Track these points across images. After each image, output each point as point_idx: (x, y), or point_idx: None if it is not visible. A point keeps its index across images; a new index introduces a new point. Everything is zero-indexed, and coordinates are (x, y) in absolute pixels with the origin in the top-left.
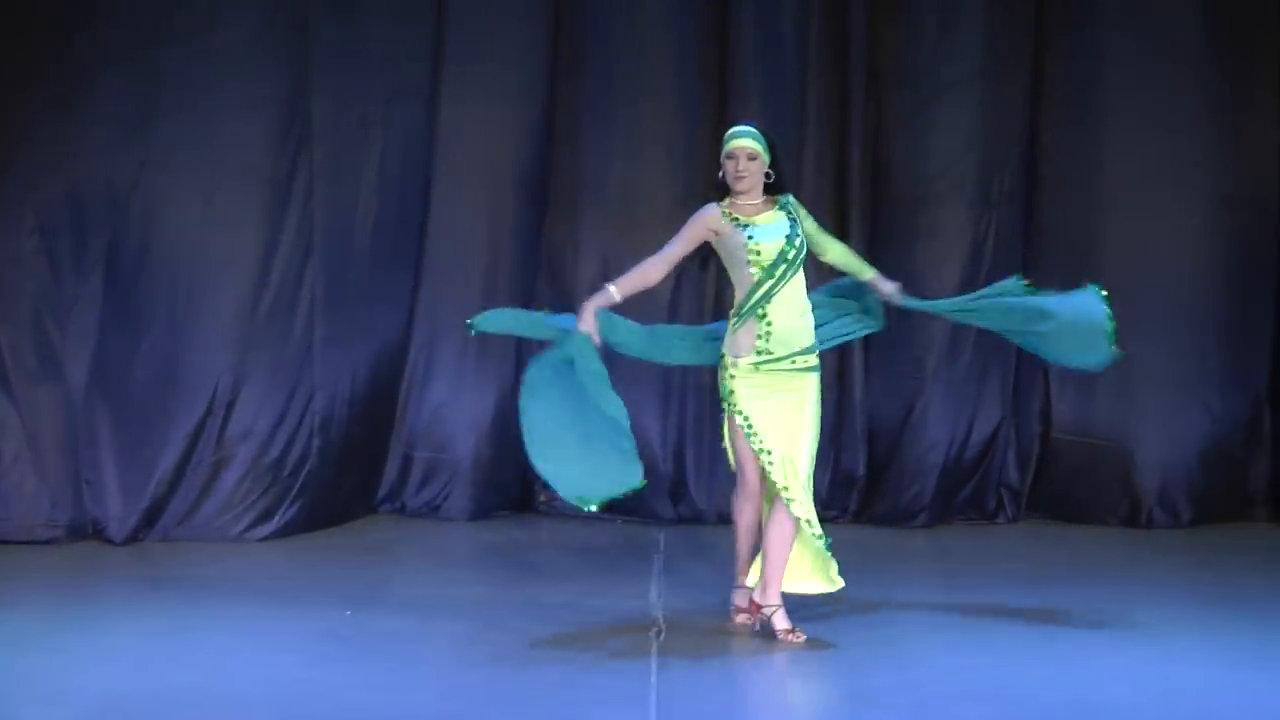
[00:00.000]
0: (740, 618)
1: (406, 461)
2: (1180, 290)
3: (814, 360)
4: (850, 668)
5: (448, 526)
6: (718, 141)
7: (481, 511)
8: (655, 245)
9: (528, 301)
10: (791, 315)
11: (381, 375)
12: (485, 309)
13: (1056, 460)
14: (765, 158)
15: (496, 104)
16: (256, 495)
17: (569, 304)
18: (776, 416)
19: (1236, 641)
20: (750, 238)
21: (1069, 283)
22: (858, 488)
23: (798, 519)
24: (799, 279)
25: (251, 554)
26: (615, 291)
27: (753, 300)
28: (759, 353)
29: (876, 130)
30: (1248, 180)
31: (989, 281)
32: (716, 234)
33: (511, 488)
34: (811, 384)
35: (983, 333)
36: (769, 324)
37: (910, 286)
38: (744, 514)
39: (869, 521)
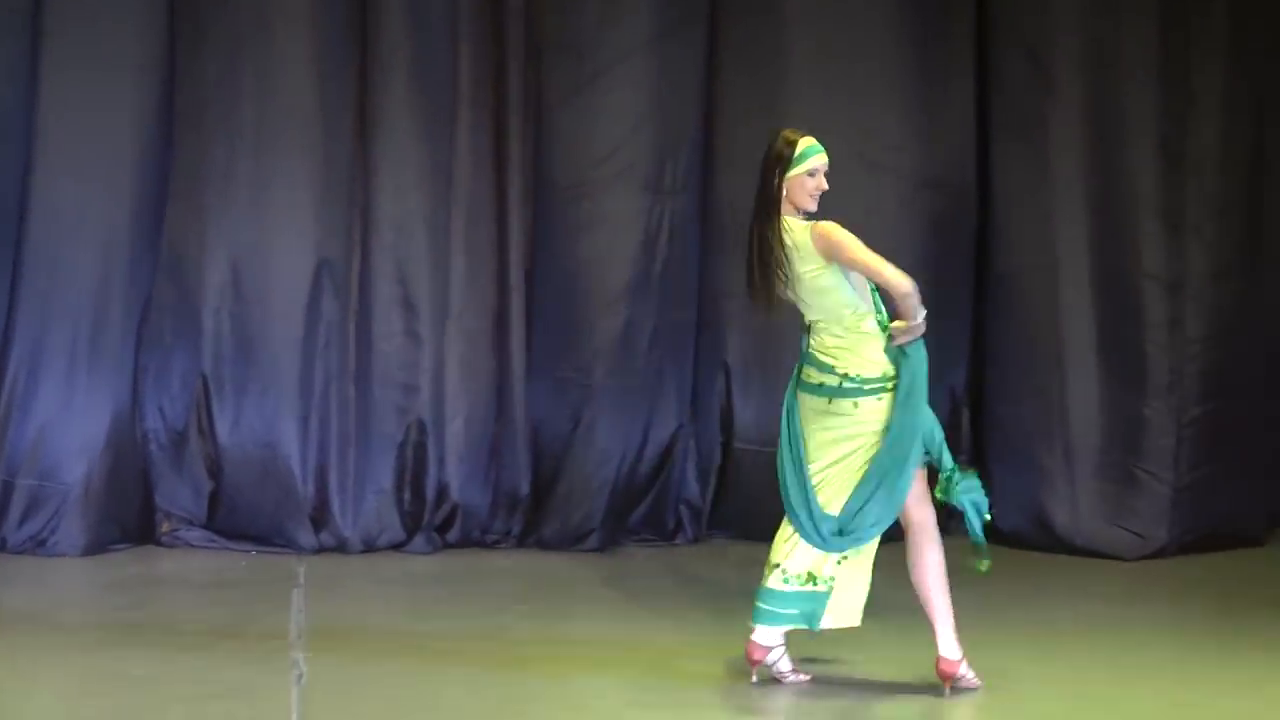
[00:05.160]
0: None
1: (7, 490)
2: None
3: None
4: (512, 709)
5: (57, 563)
6: (361, 122)
7: (96, 545)
8: (295, 239)
9: (146, 303)
10: None
11: None
12: (97, 310)
13: (739, 473)
14: None
15: (107, 79)
16: None
17: (193, 304)
18: None
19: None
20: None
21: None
22: (522, 508)
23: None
24: None
25: None
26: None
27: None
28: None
29: (537, 107)
30: (943, 162)
31: (662, 276)
32: None
33: (130, 518)
34: None
35: (658, 332)
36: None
37: (575, 282)
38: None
39: (535, 545)
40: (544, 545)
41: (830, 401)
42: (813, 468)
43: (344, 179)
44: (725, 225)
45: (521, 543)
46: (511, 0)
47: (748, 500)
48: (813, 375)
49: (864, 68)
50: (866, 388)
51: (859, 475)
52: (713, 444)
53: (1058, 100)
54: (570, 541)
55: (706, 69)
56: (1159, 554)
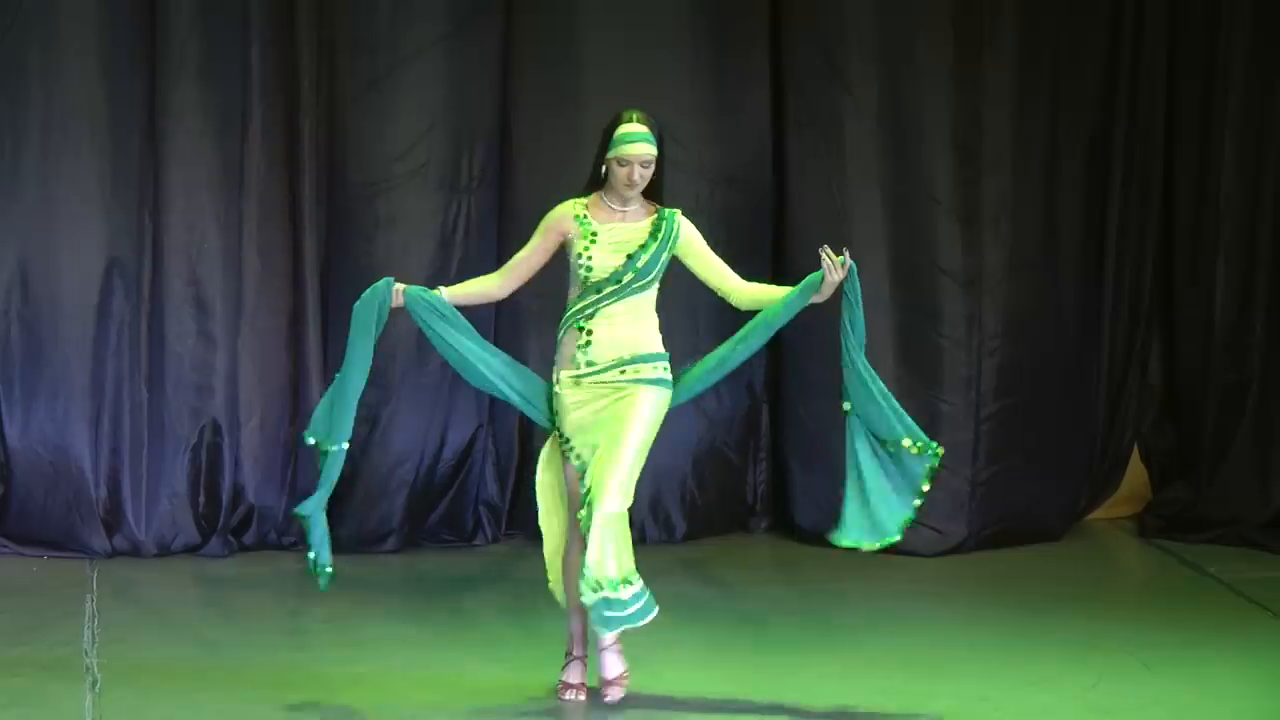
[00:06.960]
0: (569, 694)
1: None
2: (671, 278)
3: (653, 372)
4: (310, 714)
5: None
6: (151, 120)
7: None
8: (84, 238)
9: None
10: (620, 324)
11: None
12: None
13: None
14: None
15: None
16: None
17: None
18: (600, 431)
19: (740, 667)
20: (587, 248)
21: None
22: None
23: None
24: (641, 298)
25: None
26: (444, 292)
27: (570, 311)
28: (576, 364)
29: (330, 105)
30: (740, 160)
31: (460, 274)
32: (567, 236)
33: None
34: (645, 395)
35: None
36: (589, 334)
37: (372, 280)
38: (577, 565)
39: (332, 548)
40: (341, 547)
41: None
42: None
43: (134, 177)
44: (524, 222)
45: None
46: None
47: None
48: None
49: (661, 64)
50: None
51: None
52: (511, 443)
53: (853, 97)
54: (368, 543)
55: (502, 65)
56: (957, 549)
